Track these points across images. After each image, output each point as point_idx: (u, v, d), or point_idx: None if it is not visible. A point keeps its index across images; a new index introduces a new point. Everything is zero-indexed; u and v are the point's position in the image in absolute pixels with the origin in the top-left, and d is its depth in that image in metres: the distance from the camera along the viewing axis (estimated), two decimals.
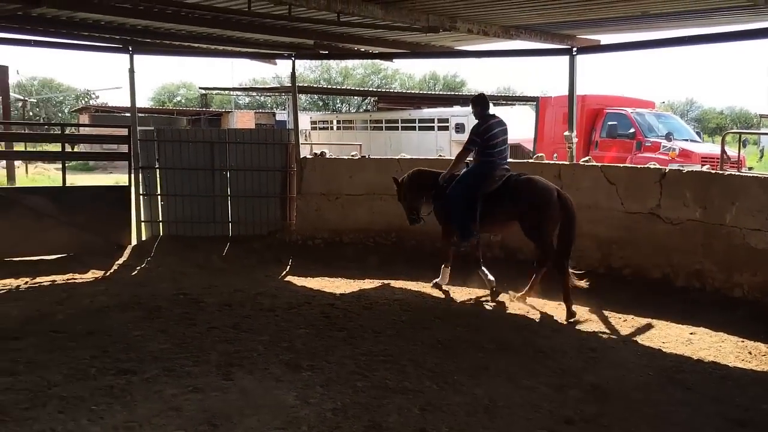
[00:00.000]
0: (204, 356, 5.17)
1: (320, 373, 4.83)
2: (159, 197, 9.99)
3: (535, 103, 19.82)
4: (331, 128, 29.85)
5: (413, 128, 24.95)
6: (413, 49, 10.36)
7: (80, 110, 40.41)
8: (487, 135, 7.00)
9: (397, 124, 25.88)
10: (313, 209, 9.90)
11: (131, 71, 9.90)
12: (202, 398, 4.35)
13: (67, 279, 8.14)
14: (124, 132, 9.89)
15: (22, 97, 34.20)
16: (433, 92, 44.25)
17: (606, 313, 6.76)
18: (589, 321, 6.51)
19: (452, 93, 40.91)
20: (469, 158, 7.32)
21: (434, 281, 7.74)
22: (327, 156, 10.85)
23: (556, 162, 9.47)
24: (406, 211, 7.88)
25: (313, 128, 29.84)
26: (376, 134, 26.18)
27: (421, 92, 38.74)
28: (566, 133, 8.93)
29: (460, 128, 22.86)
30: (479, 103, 7.28)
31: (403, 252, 9.27)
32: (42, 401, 4.25)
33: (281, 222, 10.14)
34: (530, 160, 9.25)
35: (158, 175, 9.99)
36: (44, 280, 8.06)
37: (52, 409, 4.14)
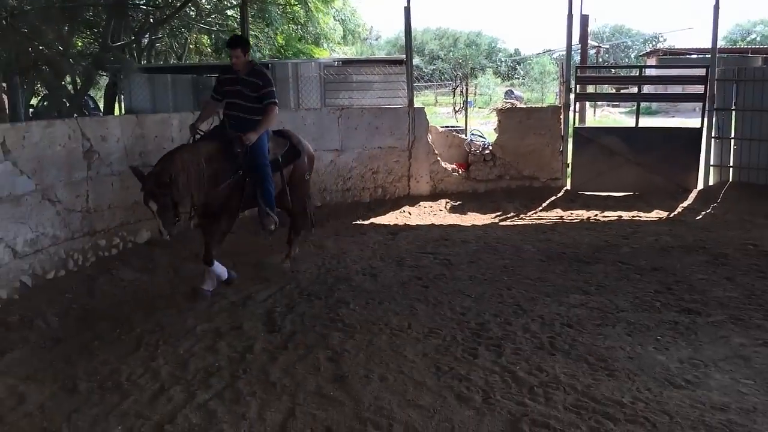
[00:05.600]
0: None
1: None
2: (732, 141, 9.41)
3: None
4: None
5: None
6: None
7: (648, 54, 40.79)
8: None
9: None
10: None
11: (716, 7, 9.39)
12: None
13: (632, 216, 8.53)
14: (698, 73, 9.59)
15: (596, 44, 36.36)
16: None
17: None
18: None
19: None
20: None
21: (200, 287, 5.32)
22: None
23: None
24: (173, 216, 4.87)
25: None
26: None
27: None
28: None
29: None
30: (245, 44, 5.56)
31: None
32: (611, 321, 4.67)
33: None
34: None
35: (733, 118, 9.39)
36: (611, 214, 8.64)
37: (620, 330, 4.50)
